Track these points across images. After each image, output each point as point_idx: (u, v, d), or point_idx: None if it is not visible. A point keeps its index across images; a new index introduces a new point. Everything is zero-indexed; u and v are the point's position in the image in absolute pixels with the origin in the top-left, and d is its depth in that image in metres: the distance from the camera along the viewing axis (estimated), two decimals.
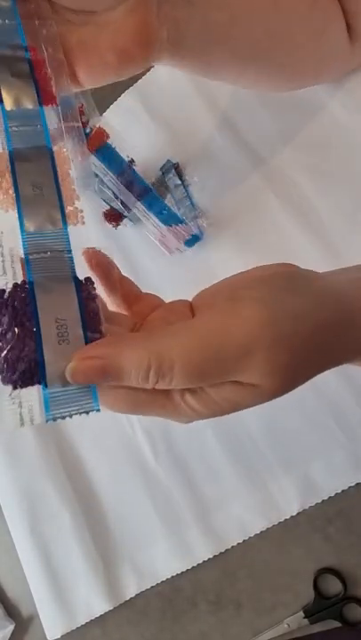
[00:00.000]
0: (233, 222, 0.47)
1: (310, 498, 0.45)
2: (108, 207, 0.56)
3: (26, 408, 0.21)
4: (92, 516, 0.53)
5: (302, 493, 0.45)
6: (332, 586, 0.44)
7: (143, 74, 0.62)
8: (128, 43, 0.30)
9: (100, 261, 0.26)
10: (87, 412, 0.22)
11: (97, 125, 0.49)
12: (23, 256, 0.23)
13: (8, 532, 0.55)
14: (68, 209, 0.25)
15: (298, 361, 0.23)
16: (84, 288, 0.23)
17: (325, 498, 0.45)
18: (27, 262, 0.23)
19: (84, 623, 0.50)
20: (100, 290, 0.25)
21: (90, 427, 0.56)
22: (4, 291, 0.22)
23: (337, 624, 0.43)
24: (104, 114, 0.61)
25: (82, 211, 0.25)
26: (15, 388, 0.21)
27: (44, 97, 0.27)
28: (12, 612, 0.55)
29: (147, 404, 0.23)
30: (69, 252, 0.24)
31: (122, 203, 0.53)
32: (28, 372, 0.21)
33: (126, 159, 0.53)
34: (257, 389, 0.23)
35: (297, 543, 0.45)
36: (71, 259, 0.24)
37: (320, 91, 0.49)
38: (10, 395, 0.21)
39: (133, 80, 0.62)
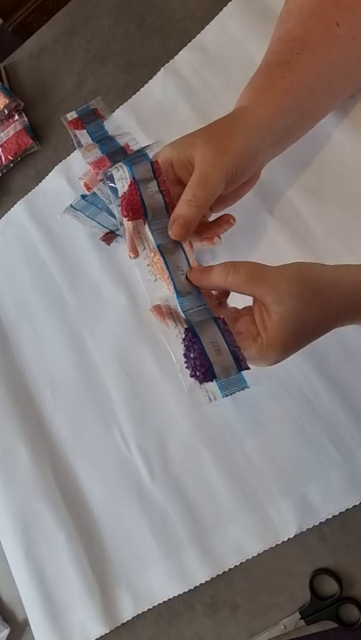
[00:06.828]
0: (228, 240, 0.47)
1: (308, 520, 0.45)
2: (106, 231, 0.57)
3: (210, 392, 0.37)
4: (87, 538, 0.52)
5: (300, 515, 0.45)
6: (328, 586, 0.44)
7: (136, 91, 0.62)
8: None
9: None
10: (243, 389, 0.37)
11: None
12: (181, 312, 0.40)
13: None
14: None
15: (303, 297, 0.36)
16: (219, 322, 0.39)
17: (323, 520, 0.44)
18: (185, 315, 0.40)
19: None
20: None
21: (85, 446, 0.55)
22: (185, 338, 0.39)
23: (333, 625, 0.43)
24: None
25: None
26: (202, 383, 0.37)
27: (170, 208, 0.43)
28: (7, 617, 0.54)
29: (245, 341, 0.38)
30: (204, 304, 0.41)
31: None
32: (207, 375, 0.37)
33: None
34: (274, 315, 0.36)
35: (293, 544, 0.45)
36: (207, 309, 0.40)
37: None
38: (201, 387, 0.37)
39: (131, 93, 0.63)
